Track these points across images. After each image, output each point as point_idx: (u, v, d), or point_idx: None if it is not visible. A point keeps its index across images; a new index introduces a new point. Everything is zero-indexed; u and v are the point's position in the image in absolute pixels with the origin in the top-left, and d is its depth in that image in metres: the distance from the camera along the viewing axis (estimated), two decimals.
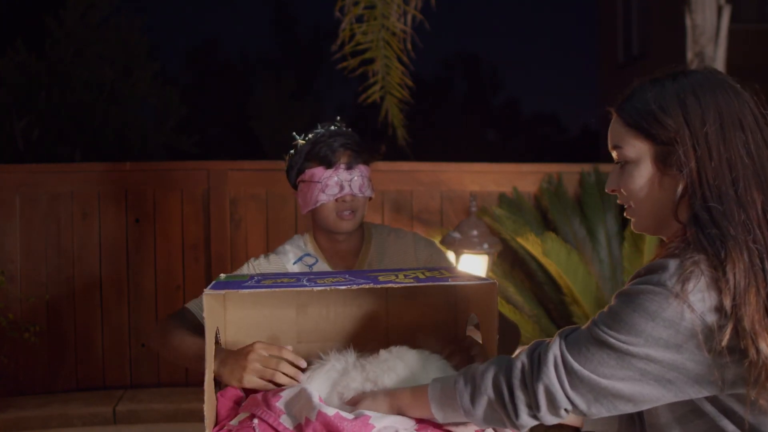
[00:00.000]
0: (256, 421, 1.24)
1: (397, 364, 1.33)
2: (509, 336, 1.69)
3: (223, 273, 1.62)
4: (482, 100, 26.22)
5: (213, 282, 1.40)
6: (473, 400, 1.13)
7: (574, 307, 3.27)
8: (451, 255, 3.06)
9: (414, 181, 3.72)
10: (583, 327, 1.10)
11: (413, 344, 1.41)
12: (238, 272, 1.76)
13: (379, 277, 1.37)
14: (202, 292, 1.29)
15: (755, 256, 1.02)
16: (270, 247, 3.52)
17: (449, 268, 1.56)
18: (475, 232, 3.12)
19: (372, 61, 3.74)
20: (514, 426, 1.12)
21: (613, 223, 3.56)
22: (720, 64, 3.71)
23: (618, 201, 1.21)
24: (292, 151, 1.79)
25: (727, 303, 0.99)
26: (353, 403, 1.27)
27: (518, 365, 1.11)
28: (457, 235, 3.12)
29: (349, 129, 1.80)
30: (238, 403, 1.37)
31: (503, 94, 36.67)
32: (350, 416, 1.20)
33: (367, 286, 1.29)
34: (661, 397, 1.04)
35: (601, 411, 1.07)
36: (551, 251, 3.13)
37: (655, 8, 11.07)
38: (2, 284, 3.27)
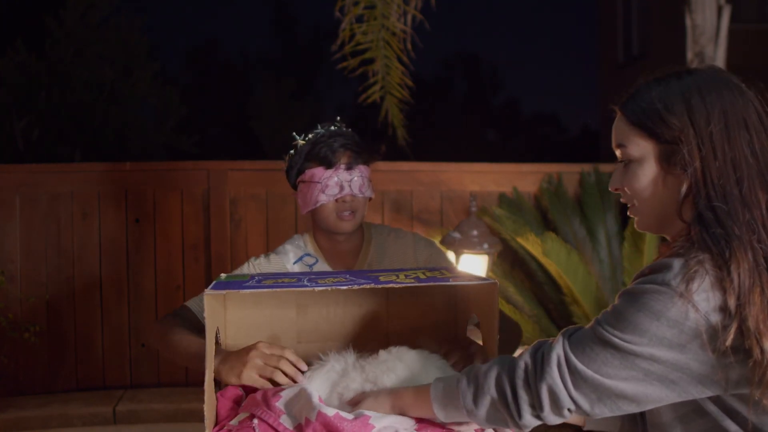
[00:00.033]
0: (256, 421, 1.24)
1: (397, 365, 1.33)
2: (511, 335, 1.69)
3: (224, 273, 1.62)
4: (482, 100, 26.23)
5: (213, 282, 1.40)
6: (476, 400, 1.13)
7: (574, 307, 3.27)
8: (451, 255, 3.06)
9: (414, 181, 3.72)
10: (587, 326, 1.10)
11: (413, 344, 1.41)
12: (238, 271, 1.76)
13: (380, 277, 1.37)
14: (203, 291, 1.29)
15: (760, 255, 1.01)
16: (270, 247, 3.52)
17: (450, 268, 1.56)
18: (475, 232, 3.12)
19: (372, 61, 3.74)
20: (517, 426, 1.11)
21: (613, 223, 3.56)
22: (720, 64, 3.71)
23: (621, 200, 1.20)
24: (291, 152, 1.78)
25: (732, 303, 0.99)
26: (355, 403, 1.27)
27: (521, 365, 1.10)
28: (457, 235, 3.12)
29: (349, 129, 1.80)
30: (238, 403, 1.37)
31: (503, 94, 36.70)
32: (350, 416, 1.20)
33: (368, 287, 1.29)
34: (665, 398, 1.04)
35: (604, 411, 1.06)
36: (551, 251, 3.13)
37: (655, 8, 11.07)
38: (2, 284, 3.27)
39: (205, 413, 1.28)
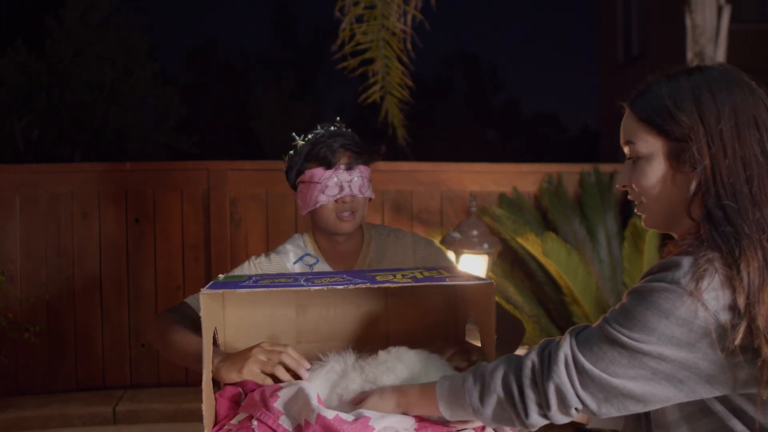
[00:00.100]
0: (255, 422, 1.24)
1: (396, 365, 1.33)
2: (512, 333, 1.68)
3: (223, 273, 1.62)
4: (482, 100, 26.24)
5: (211, 282, 1.40)
6: (482, 398, 1.13)
7: (574, 307, 3.27)
8: (451, 255, 3.06)
9: (414, 181, 3.72)
10: (594, 325, 1.09)
11: (413, 344, 1.41)
12: (238, 270, 1.76)
13: (377, 277, 1.37)
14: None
15: None
16: (270, 247, 3.52)
17: (448, 268, 1.56)
18: (475, 232, 3.11)
19: (372, 61, 3.74)
20: (524, 425, 1.11)
21: (613, 223, 3.56)
22: None
23: (628, 197, 1.20)
24: (291, 152, 1.78)
25: (741, 302, 0.98)
26: (359, 401, 1.27)
27: (528, 364, 1.10)
28: (457, 235, 3.12)
29: (349, 129, 1.79)
30: (236, 403, 1.37)
31: (503, 94, 36.72)
32: (350, 418, 1.20)
33: (364, 286, 1.29)
34: (672, 397, 1.03)
35: (611, 411, 1.06)
36: (551, 251, 3.13)
37: (655, 8, 11.07)
38: (2, 284, 3.27)
39: (204, 413, 1.28)
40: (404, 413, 1.24)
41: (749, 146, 1.05)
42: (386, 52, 3.69)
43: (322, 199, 1.71)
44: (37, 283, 3.46)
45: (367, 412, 1.22)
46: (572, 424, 1.43)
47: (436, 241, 2.29)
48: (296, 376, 1.36)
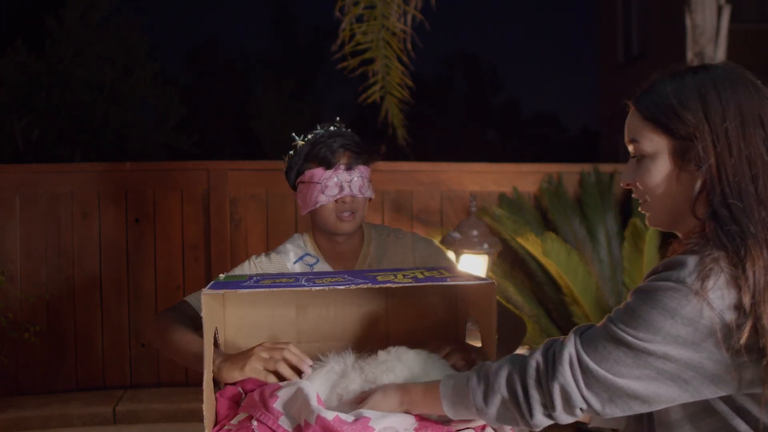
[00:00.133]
0: (255, 423, 1.24)
1: (396, 365, 1.33)
2: (513, 332, 1.68)
3: (223, 273, 1.62)
4: (482, 100, 26.25)
5: (212, 282, 1.40)
6: (486, 398, 1.12)
7: (574, 307, 3.27)
8: (451, 255, 3.06)
9: (414, 181, 3.72)
10: (599, 324, 1.09)
11: (413, 344, 1.41)
12: (238, 269, 1.76)
13: (378, 277, 1.37)
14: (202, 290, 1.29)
15: None
16: (270, 247, 3.52)
17: (449, 268, 1.56)
18: (475, 232, 3.11)
19: (372, 61, 3.74)
20: (528, 425, 1.10)
21: (613, 223, 3.56)
22: None
23: (633, 195, 1.19)
24: (291, 152, 1.77)
25: (746, 301, 0.98)
26: (363, 398, 1.27)
27: (533, 364, 1.09)
28: (457, 235, 3.12)
29: (349, 129, 1.79)
30: (237, 403, 1.37)
31: (503, 94, 36.76)
32: (350, 419, 1.20)
33: (366, 286, 1.29)
34: (677, 398, 1.03)
35: (615, 411, 1.05)
36: (551, 251, 3.13)
37: (655, 8, 11.07)
38: (2, 284, 3.27)
39: (204, 413, 1.28)
40: (407, 411, 1.24)
41: (754, 145, 1.05)
42: (386, 52, 3.70)
43: (322, 199, 1.71)
44: (37, 283, 3.47)
45: (367, 413, 1.22)
46: (574, 423, 1.43)
47: (436, 241, 2.29)
48: (299, 373, 1.36)
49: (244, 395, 1.38)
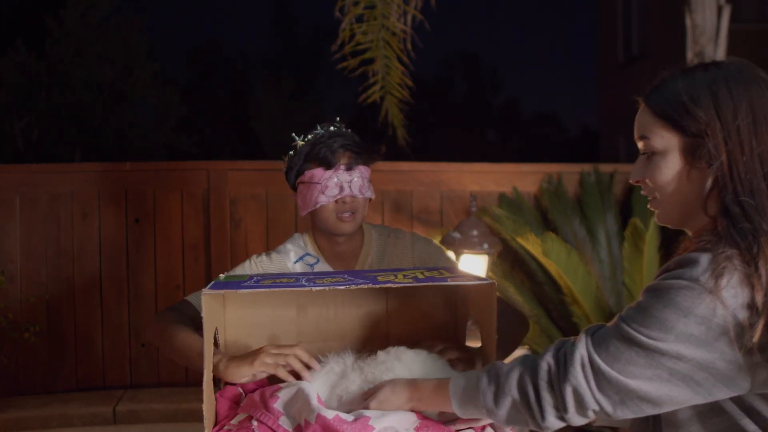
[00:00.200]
0: (255, 423, 1.24)
1: (396, 365, 1.33)
2: (517, 327, 1.67)
3: (223, 273, 1.62)
4: (482, 100, 26.26)
5: (212, 282, 1.40)
6: (497, 400, 1.12)
7: (574, 307, 3.27)
8: (451, 255, 3.06)
9: (414, 181, 3.72)
10: (609, 324, 1.08)
11: (413, 344, 1.41)
12: (239, 268, 1.75)
13: (378, 277, 1.37)
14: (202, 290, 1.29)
15: None
16: (270, 247, 3.52)
17: (449, 268, 1.56)
18: (475, 232, 3.11)
19: (372, 61, 3.74)
20: (539, 427, 1.09)
21: (613, 223, 3.56)
22: None
23: (642, 192, 1.18)
24: (291, 152, 1.77)
25: (759, 299, 0.97)
26: (372, 392, 1.27)
27: (544, 366, 1.08)
28: (457, 235, 3.12)
29: (349, 130, 1.79)
30: (237, 403, 1.37)
31: (503, 94, 36.76)
32: (350, 418, 1.20)
33: (366, 286, 1.29)
34: (689, 400, 1.02)
35: (626, 413, 1.04)
36: (551, 251, 3.13)
37: (655, 8, 11.07)
38: (2, 284, 3.27)
39: (204, 413, 1.28)
40: (415, 407, 1.24)
41: (766, 142, 1.05)
42: (386, 52, 3.69)
43: (322, 199, 1.70)
44: (37, 283, 3.47)
45: (367, 412, 1.23)
46: None
47: (436, 241, 2.29)
48: (307, 368, 1.37)
49: (244, 396, 1.39)
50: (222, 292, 1.32)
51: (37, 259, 3.47)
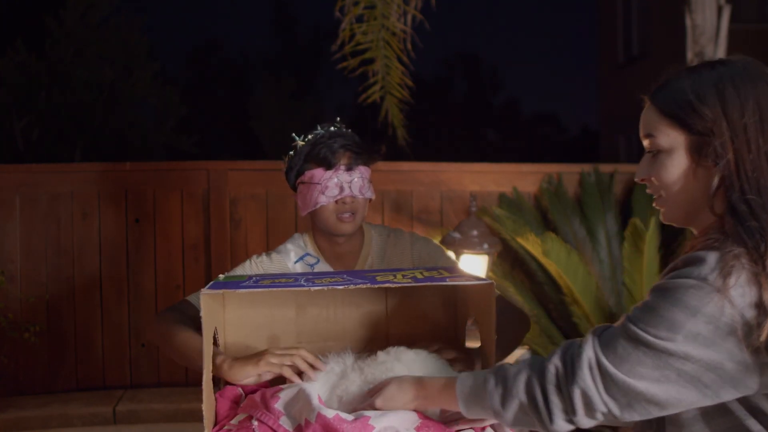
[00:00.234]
0: (255, 422, 1.24)
1: (395, 365, 1.33)
2: (517, 325, 1.67)
3: (223, 273, 1.62)
4: (482, 100, 26.25)
5: (212, 282, 1.40)
6: (504, 402, 1.11)
7: (574, 307, 3.27)
8: (451, 255, 3.06)
9: (414, 181, 3.72)
10: (616, 324, 1.07)
11: (413, 344, 1.41)
12: (239, 269, 1.75)
13: (377, 277, 1.37)
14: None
15: None
16: (270, 247, 3.52)
17: (448, 268, 1.56)
18: (475, 232, 3.11)
19: (372, 61, 3.74)
20: (547, 430, 1.09)
21: (613, 223, 3.56)
22: None
23: (647, 190, 1.18)
24: (291, 153, 1.77)
25: (767, 298, 0.97)
26: (377, 389, 1.27)
27: (551, 369, 1.07)
28: (457, 235, 3.12)
29: (349, 130, 1.78)
30: (237, 403, 1.37)
31: (503, 94, 36.72)
32: (350, 418, 1.20)
33: (365, 286, 1.29)
34: (696, 402, 1.02)
35: (633, 416, 1.04)
36: (551, 251, 3.13)
37: (655, 8, 11.07)
38: (2, 284, 3.27)
39: (204, 413, 1.28)
40: (419, 406, 1.24)
41: None
42: (386, 52, 3.69)
43: (322, 200, 1.70)
44: (37, 283, 3.47)
45: (367, 412, 1.23)
46: None
47: (436, 241, 2.29)
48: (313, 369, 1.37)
49: (243, 396, 1.39)
50: (221, 291, 1.32)
51: (37, 259, 3.47)
